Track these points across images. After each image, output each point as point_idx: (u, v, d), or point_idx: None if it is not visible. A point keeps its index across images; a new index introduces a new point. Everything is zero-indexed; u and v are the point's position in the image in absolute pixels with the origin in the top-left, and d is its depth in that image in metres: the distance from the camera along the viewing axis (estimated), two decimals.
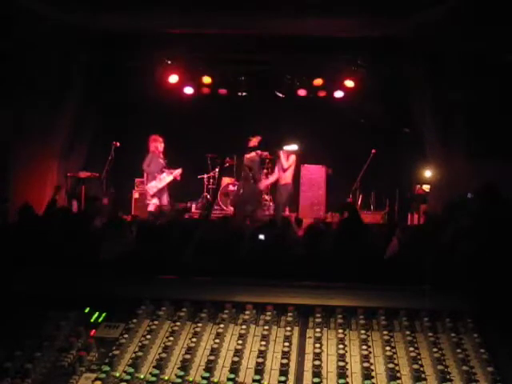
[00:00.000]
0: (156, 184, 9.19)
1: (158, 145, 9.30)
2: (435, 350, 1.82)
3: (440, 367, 1.73)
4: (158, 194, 9.18)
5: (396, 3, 7.21)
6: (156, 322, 1.97)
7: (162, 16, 7.97)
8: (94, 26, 8.48)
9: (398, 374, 1.73)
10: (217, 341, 1.87)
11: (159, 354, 1.81)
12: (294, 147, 10.93)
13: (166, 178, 9.25)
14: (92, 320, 1.99)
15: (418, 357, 1.79)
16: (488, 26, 6.81)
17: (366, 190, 10.09)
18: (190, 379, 1.72)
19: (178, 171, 9.38)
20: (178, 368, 1.75)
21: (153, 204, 9.08)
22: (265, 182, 10.14)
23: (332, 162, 10.27)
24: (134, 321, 1.98)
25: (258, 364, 1.75)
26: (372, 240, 4.63)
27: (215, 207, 10.29)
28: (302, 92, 10.63)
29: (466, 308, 2.01)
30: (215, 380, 1.71)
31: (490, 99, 7.61)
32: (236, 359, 1.78)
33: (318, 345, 1.86)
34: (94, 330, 1.94)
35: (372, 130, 10.11)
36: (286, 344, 1.85)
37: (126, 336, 1.89)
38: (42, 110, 8.53)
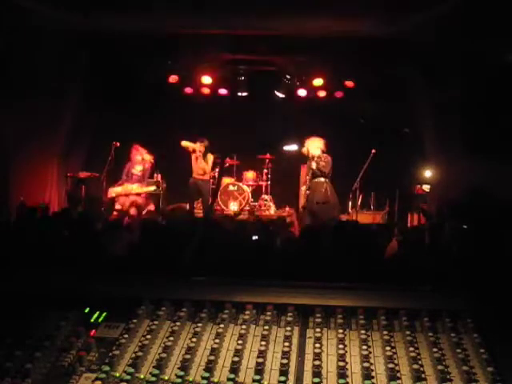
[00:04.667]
0: (116, 190, 9.50)
1: (134, 156, 9.57)
2: (435, 350, 1.82)
3: (440, 367, 1.73)
4: (117, 199, 9.45)
5: (396, 3, 7.21)
6: (156, 322, 1.97)
7: (162, 16, 7.98)
8: (93, 26, 8.49)
9: (398, 374, 1.73)
10: (217, 341, 1.86)
11: (159, 353, 1.81)
12: (293, 147, 10.95)
13: (131, 188, 9.53)
14: (92, 320, 1.99)
15: (418, 357, 1.79)
16: (488, 25, 6.81)
17: (365, 190, 10.08)
18: (190, 379, 1.72)
19: (149, 189, 9.68)
20: (178, 368, 1.75)
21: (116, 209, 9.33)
22: None
23: (332, 161, 10.26)
24: (134, 321, 1.98)
25: (258, 364, 1.75)
26: (371, 240, 4.63)
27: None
28: (302, 92, 10.64)
29: (466, 308, 2.01)
30: (215, 380, 1.71)
31: (489, 99, 7.61)
32: (236, 359, 1.78)
33: (317, 345, 1.85)
34: (94, 330, 1.94)
35: (372, 130, 10.11)
36: (286, 344, 1.85)
37: (125, 336, 1.89)
38: (41, 110, 8.53)
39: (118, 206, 9.32)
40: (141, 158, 9.61)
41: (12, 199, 8.29)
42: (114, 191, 9.51)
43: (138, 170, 9.62)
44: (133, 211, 9.20)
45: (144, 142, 9.72)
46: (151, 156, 9.67)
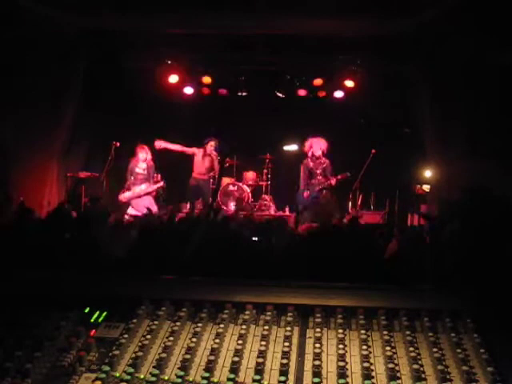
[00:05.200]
0: (127, 195, 9.47)
1: (138, 154, 9.54)
2: (435, 349, 1.82)
3: (440, 367, 1.73)
4: (132, 203, 9.41)
5: (396, 3, 7.21)
6: (156, 322, 1.97)
7: (162, 16, 7.98)
8: (94, 25, 8.49)
9: (398, 374, 1.73)
10: (217, 341, 1.87)
11: (159, 353, 1.81)
12: (294, 147, 10.95)
13: (140, 190, 9.50)
14: (92, 320, 2.00)
15: (418, 357, 1.79)
16: (488, 26, 6.81)
17: (365, 190, 10.08)
18: (190, 379, 1.72)
19: (159, 185, 9.66)
20: (178, 368, 1.75)
21: (128, 213, 9.19)
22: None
23: (332, 161, 10.26)
24: (134, 321, 1.98)
25: (258, 364, 1.75)
26: (371, 240, 4.63)
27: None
28: (302, 92, 10.64)
29: (466, 308, 2.01)
30: (215, 380, 1.71)
31: (489, 99, 7.61)
32: (236, 359, 1.78)
33: (318, 345, 1.86)
34: (93, 330, 1.94)
35: (372, 130, 10.11)
36: (286, 344, 1.85)
37: (125, 336, 1.89)
38: (41, 109, 8.52)
39: (132, 211, 9.20)
40: (145, 157, 9.58)
41: (12, 199, 8.28)
42: (124, 197, 9.50)
43: (141, 167, 9.60)
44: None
45: (144, 141, 9.72)
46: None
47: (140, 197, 9.49)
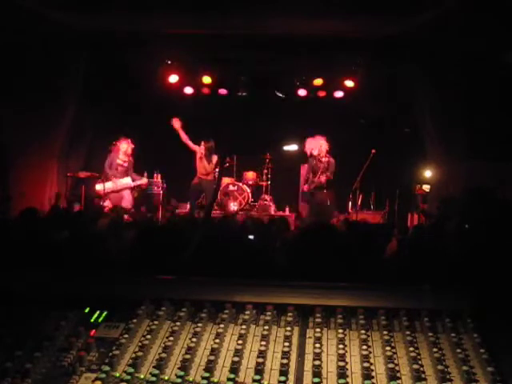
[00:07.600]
0: (108, 185, 9.28)
1: (121, 146, 9.45)
2: (435, 349, 1.82)
3: (440, 367, 1.72)
4: (110, 196, 9.27)
5: (396, 3, 7.22)
6: (156, 322, 1.96)
7: (162, 16, 7.98)
8: (94, 25, 8.49)
9: (398, 374, 1.72)
10: (217, 341, 1.86)
11: (159, 353, 1.81)
12: (294, 147, 10.97)
13: (122, 184, 9.36)
14: (92, 320, 1.99)
15: (418, 357, 1.79)
16: (487, 25, 6.82)
17: (365, 190, 10.09)
18: (190, 379, 1.71)
19: (142, 181, 9.59)
20: (178, 368, 1.75)
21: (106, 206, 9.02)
22: None
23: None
24: (134, 321, 1.98)
25: (258, 364, 1.75)
26: (371, 240, 4.63)
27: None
28: (302, 92, 10.65)
29: (466, 308, 2.01)
30: (215, 380, 1.71)
31: (489, 99, 7.62)
32: (236, 359, 1.77)
33: (318, 345, 1.85)
34: (93, 330, 1.94)
35: (372, 130, 10.12)
36: (286, 344, 1.85)
37: (126, 336, 1.89)
38: (41, 109, 8.54)
39: (108, 204, 9.04)
40: (126, 149, 9.45)
41: (12, 199, 8.29)
42: (105, 187, 9.24)
43: (122, 159, 9.45)
44: (130, 209, 9.08)
45: (144, 141, 9.73)
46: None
47: (119, 192, 9.34)
